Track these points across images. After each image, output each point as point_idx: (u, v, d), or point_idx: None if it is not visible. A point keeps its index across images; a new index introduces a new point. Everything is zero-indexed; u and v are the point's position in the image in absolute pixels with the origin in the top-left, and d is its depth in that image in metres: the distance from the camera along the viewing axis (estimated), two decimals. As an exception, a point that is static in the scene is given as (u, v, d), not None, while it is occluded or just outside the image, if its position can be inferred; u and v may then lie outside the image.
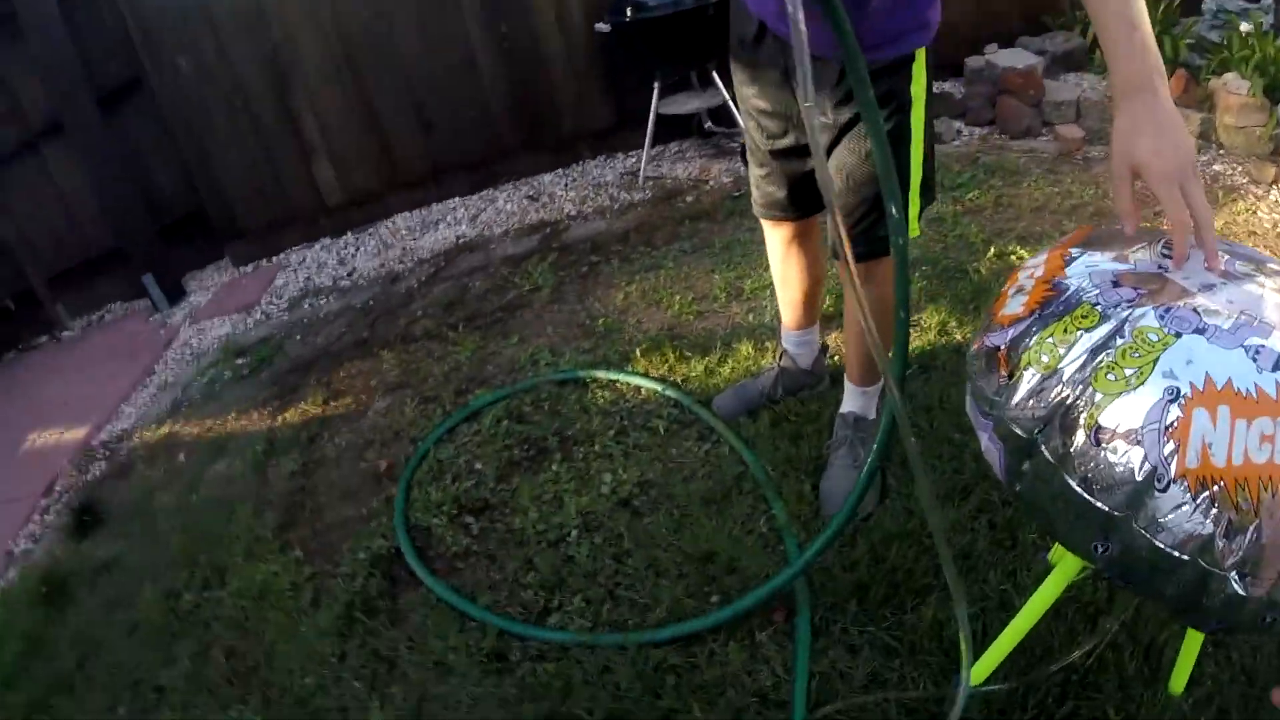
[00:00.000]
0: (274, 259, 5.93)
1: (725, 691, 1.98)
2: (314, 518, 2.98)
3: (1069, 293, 1.27)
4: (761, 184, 2.39)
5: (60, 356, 6.32)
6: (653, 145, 5.25)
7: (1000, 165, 4.49)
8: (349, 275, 5.19)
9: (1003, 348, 1.31)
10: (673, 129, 5.55)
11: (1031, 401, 1.24)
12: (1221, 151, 4.37)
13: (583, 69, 5.60)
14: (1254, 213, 3.79)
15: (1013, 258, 3.51)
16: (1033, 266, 1.38)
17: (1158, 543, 1.15)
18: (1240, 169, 4.18)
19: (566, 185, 5.48)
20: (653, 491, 2.63)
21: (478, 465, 2.91)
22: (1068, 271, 1.31)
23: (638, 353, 3.25)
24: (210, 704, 2.41)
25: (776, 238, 2.53)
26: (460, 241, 5.12)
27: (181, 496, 3.47)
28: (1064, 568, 1.49)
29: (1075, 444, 1.18)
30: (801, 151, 2.19)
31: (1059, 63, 5.49)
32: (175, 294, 6.03)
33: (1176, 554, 1.15)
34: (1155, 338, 1.16)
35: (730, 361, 3.12)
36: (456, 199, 5.79)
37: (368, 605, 2.50)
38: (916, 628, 2.03)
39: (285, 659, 2.42)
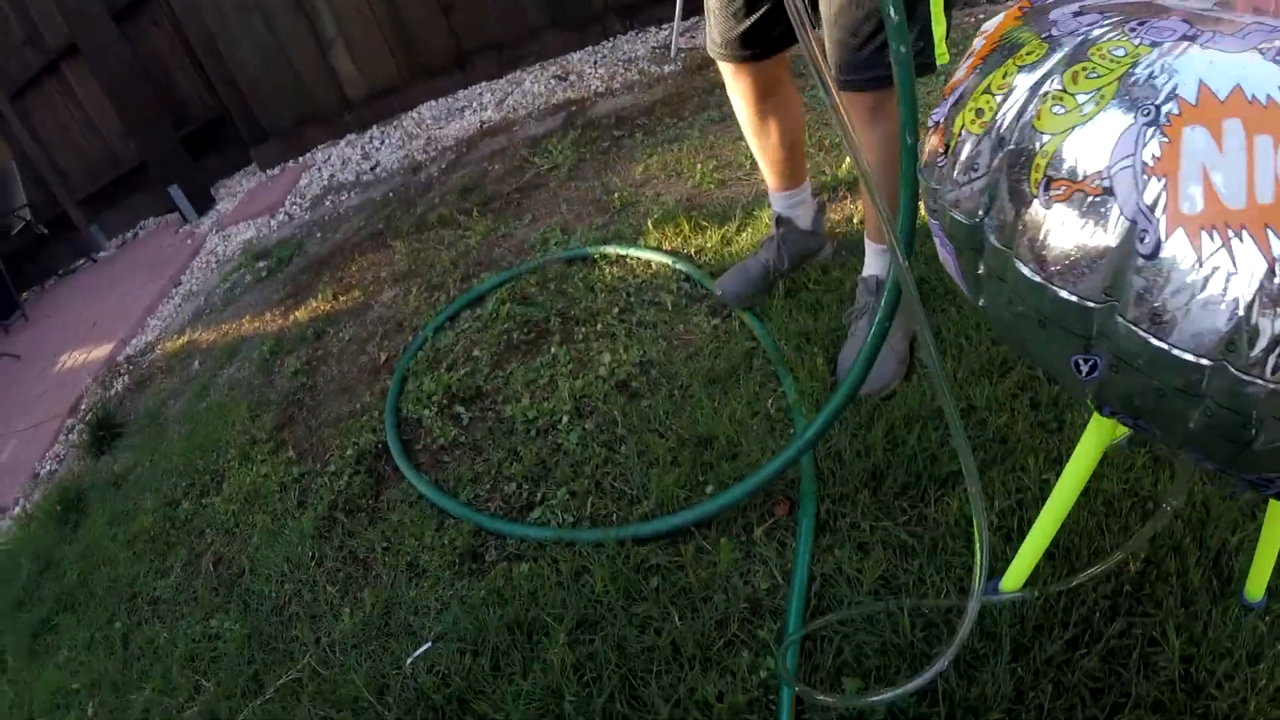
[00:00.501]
0: (300, 159, 5.79)
1: (711, 596, 1.72)
2: (310, 416, 2.84)
3: (1018, 38, 0.97)
4: (719, 13, 2.03)
5: (95, 276, 6.35)
6: (685, 16, 4.90)
7: None
8: (372, 169, 5.02)
9: (940, 121, 1.02)
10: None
11: (969, 175, 0.93)
12: None
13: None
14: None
15: None
16: (986, 29, 1.07)
17: (1156, 342, 0.80)
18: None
19: (596, 63, 5.17)
20: (653, 372, 2.39)
21: (475, 352, 2.71)
22: (1026, 20, 1.00)
23: (650, 225, 2.99)
24: (196, 614, 2.30)
25: (744, 84, 2.19)
26: (484, 126, 4.88)
27: (191, 404, 3.38)
28: (1095, 426, 1.17)
29: (1024, 214, 0.87)
30: None
31: None
32: (204, 203, 5.97)
33: (1189, 357, 0.79)
34: (1121, 52, 0.84)
35: (749, 229, 2.84)
36: (483, 84, 5.52)
37: (349, 505, 2.35)
38: (939, 523, 1.72)
39: (266, 564, 2.29)
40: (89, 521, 3.05)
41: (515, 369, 2.56)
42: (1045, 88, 0.86)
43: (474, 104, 5.31)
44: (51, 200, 7.06)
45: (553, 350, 2.58)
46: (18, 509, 3.70)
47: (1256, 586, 1.42)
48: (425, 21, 5.46)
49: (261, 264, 4.39)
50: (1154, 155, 0.77)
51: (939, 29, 1.75)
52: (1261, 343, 0.74)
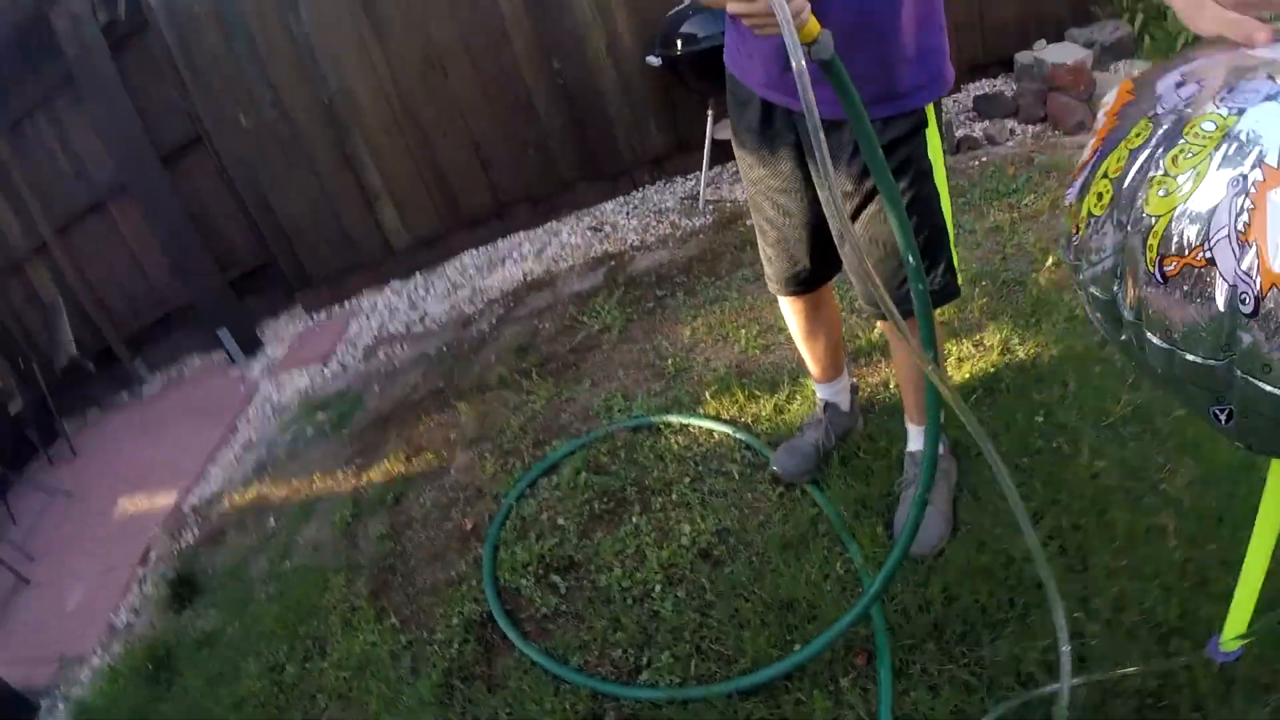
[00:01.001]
0: (345, 305, 6.08)
1: (812, 743, 2.02)
2: (406, 583, 3.06)
3: (1131, 115, 1.05)
4: (776, 261, 2.37)
5: (144, 415, 6.54)
6: (710, 167, 5.28)
7: (1054, 164, 4.44)
8: (420, 320, 5.30)
9: (1070, 203, 1.11)
10: (728, 150, 5.55)
11: (1098, 256, 1.04)
12: None
13: (637, 97, 5.63)
14: None
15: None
16: (1106, 103, 1.14)
17: (1269, 388, 0.90)
18: None
19: (628, 213, 5.53)
20: (731, 539, 2.66)
21: (560, 521, 2.97)
22: (1137, 95, 1.08)
23: (708, 395, 3.28)
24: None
25: (797, 308, 2.53)
26: (528, 279, 5.19)
27: (274, 564, 3.58)
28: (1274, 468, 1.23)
29: (1146, 291, 0.97)
30: (819, 223, 2.20)
31: (1108, 52, 5.42)
32: (251, 345, 6.20)
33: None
34: (1212, 125, 0.92)
35: (799, 398, 3.12)
36: (521, 233, 5.88)
37: (464, 672, 2.57)
38: (994, 663, 2.03)
39: (391, 731, 2.51)
40: (183, 681, 3.22)
41: (602, 539, 2.81)
42: (1151, 172, 0.96)
43: (514, 253, 5.65)
44: (96, 335, 7.32)
45: (634, 520, 2.84)
46: (98, 660, 3.84)
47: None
48: (465, 174, 5.85)
49: (321, 416, 4.63)
50: (1245, 223, 0.87)
51: (957, 262, 2.14)
52: None
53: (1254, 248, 0.86)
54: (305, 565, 3.45)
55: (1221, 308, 0.90)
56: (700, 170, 5.29)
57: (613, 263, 4.87)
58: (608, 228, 5.47)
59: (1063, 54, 5.27)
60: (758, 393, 3.23)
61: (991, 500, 2.43)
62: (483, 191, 5.90)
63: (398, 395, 4.46)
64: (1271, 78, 0.92)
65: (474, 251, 5.92)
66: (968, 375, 2.98)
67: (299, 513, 3.86)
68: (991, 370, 2.99)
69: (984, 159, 4.72)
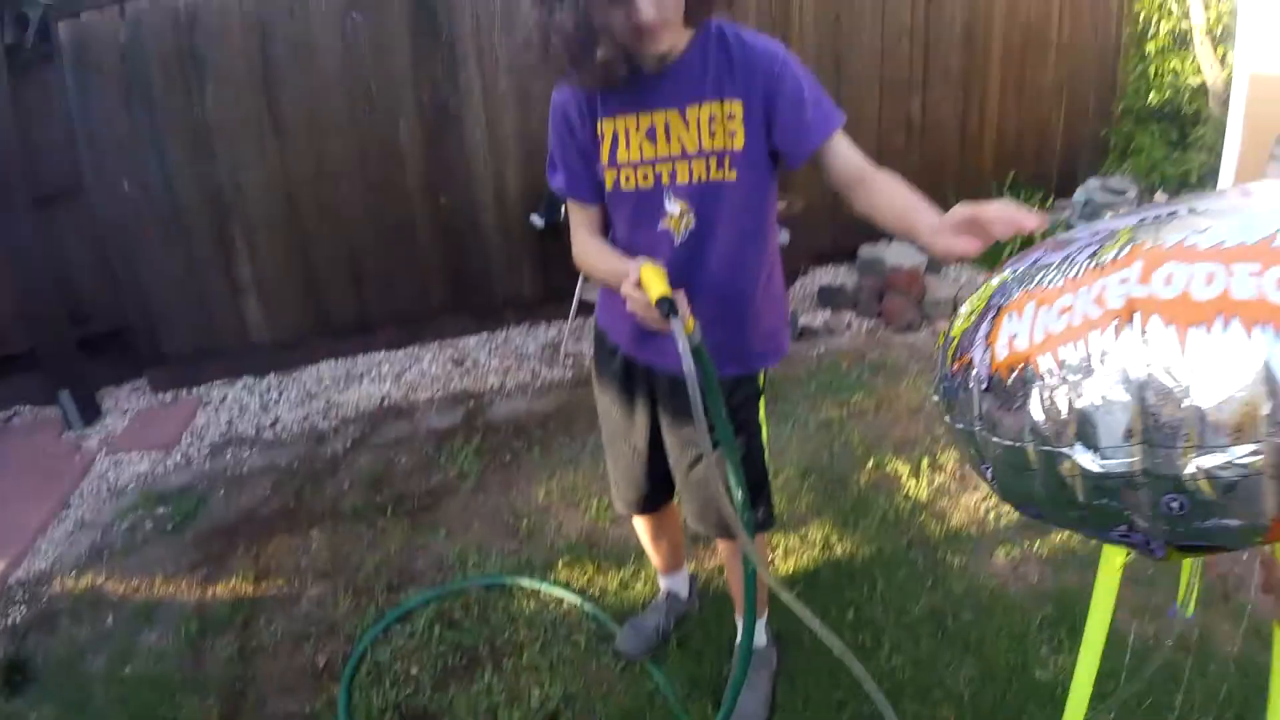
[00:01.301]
0: (194, 391, 6.10)
1: None
2: (257, 712, 3.19)
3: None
4: (624, 486, 2.72)
5: (-33, 460, 6.23)
6: (573, 320, 5.65)
7: (883, 363, 5.01)
8: (272, 425, 5.41)
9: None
10: (592, 309, 5.94)
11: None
12: None
13: (514, 243, 6.04)
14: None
15: (888, 468, 4.00)
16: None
17: (999, 439, 1.41)
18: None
19: (490, 351, 5.84)
20: (576, 706, 2.96)
21: (413, 670, 3.18)
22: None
23: (560, 563, 3.58)
24: None
25: (643, 522, 2.93)
26: (385, 403, 5.41)
27: (115, 666, 3.59)
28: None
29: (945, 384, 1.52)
30: (661, 459, 2.57)
31: None
32: (91, 413, 6.09)
33: (1014, 444, 1.40)
34: (995, 280, 1.48)
35: (643, 576, 3.47)
36: (382, 352, 6.10)
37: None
38: None
39: None
40: None
41: (456, 694, 3.04)
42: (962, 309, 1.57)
43: (374, 371, 5.86)
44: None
45: (487, 678, 3.09)
46: None
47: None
48: (337, 284, 6.07)
49: (162, 510, 4.66)
50: (986, 331, 1.42)
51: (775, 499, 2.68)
52: (1052, 425, 1.37)
53: (988, 347, 1.39)
54: (149, 675, 3.49)
55: (975, 389, 1.41)
56: (564, 321, 5.64)
57: (472, 403, 5.14)
58: (469, 362, 5.75)
59: (901, 256, 5.93)
60: (606, 565, 3.57)
61: (806, 686, 2.88)
62: (351, 304, 6.11)
63: (245, 505, 4.55)
64: (1042, 249, 1.48)
65: (333, 362, 6.09)
66: (792, 568, 3.44)
67: (139, 614, 3.88)
68: (813, 566, 3.46)
69: (822, 350, 5.28)
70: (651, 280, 1.76)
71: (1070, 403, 1.37)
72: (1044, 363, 1.38)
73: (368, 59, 5.78)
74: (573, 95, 2.04)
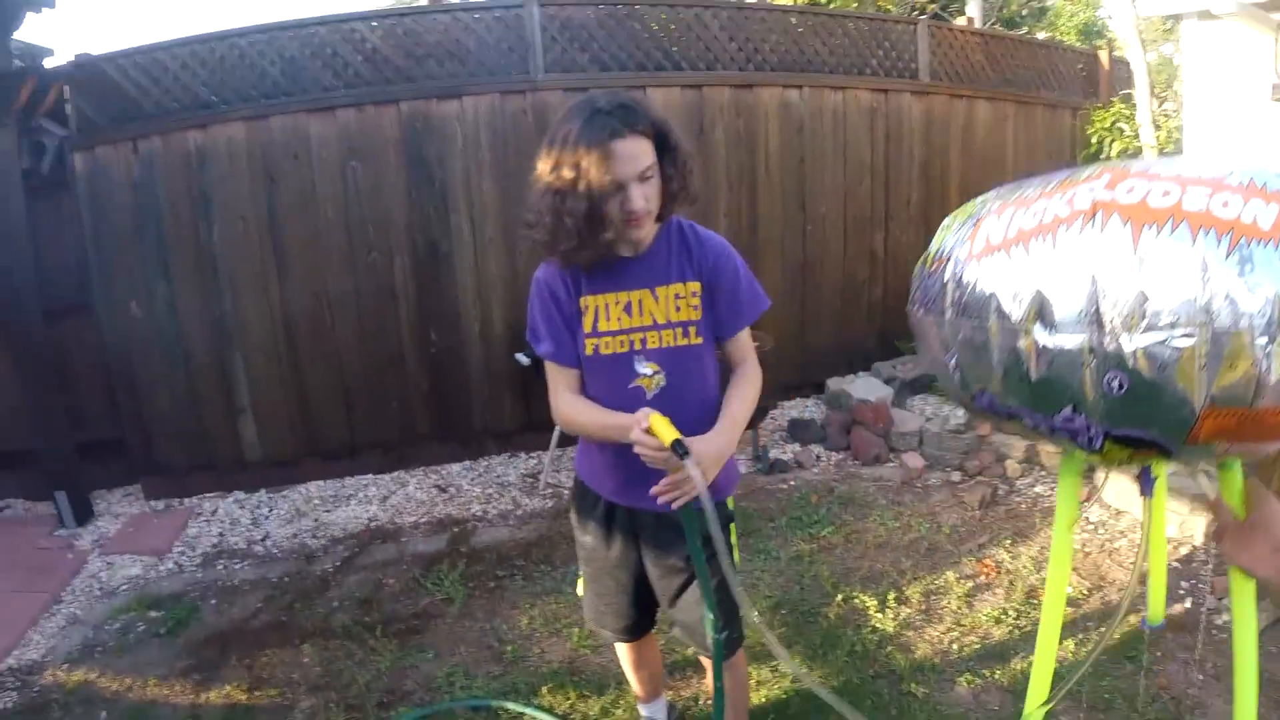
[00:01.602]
0: (186, 502, 6.35)
1: None
2: None
3: None
4: (609, 616, 2.93)
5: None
6: (554, 450, 5.97)
7: (851, 496, 5.32)
8: (262, 540, 5.65)
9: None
10: (571, 440, 6.25)
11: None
12: (1044, 473, 5.39)
13: (497, 377, 6.42)
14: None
15: (856, 602, 4.25)
16: None
17: (966, 320, 1.92)
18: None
19: (473, 479, 6.15)
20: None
21: (403, 788, 3.40)
22: None
23: (544, 688, 3.81)
24: None
25: (627, 650, 3.16)
26: (372, 524, 5.68)
27: None
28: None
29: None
30: (644, 589, 2.83)
31: (908, 387, 6.47)
32: (84, 513, 6.30)
33: (979, 324, 1.86)
34: (978, 200, 2.11)
35: (623, 703, 3.69)
36: (370, 476, 6.41)
37: None
38: None
39: None
40: None
41: None
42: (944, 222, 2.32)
43: (361, 494, 6.14)
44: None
45: None
46: None
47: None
48: (329, 410, 6.39)
49: (155, 614, 4.84)
50: (967, 234, 1.98)
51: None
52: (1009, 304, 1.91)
53: (970, 243, 1.98)
54: (142, 776, 3.68)
55: (947, 277, 2.00)
56: (544, 451, 5.96)
57: (456, 529, 5.42)
58: (453, 489, 6.05)
59: (867, 389, 6.29)
60: (587, 693, 3.79)
61: None
62: (341, 429, 6.44)
63: (237, 616, 4.76)
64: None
65: (322, 483, 6.38)
66: (763, 698, 3.64)
67: (132, 713, 4.04)
68: (784, 696, 3.67)
69: (792, 483, 5.62)
70: (661, 427, 2.14)
71: (1033, 285, 1.77)
72: (1015, 252, 1.80)
73: (365, 203, 6.24)
74: (558, 274, 2.44)
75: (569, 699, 3.77)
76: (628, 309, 2.43)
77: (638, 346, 2.44)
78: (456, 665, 4.07)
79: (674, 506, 2.25)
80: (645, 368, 2.44)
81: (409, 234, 6.30)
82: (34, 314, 6.21)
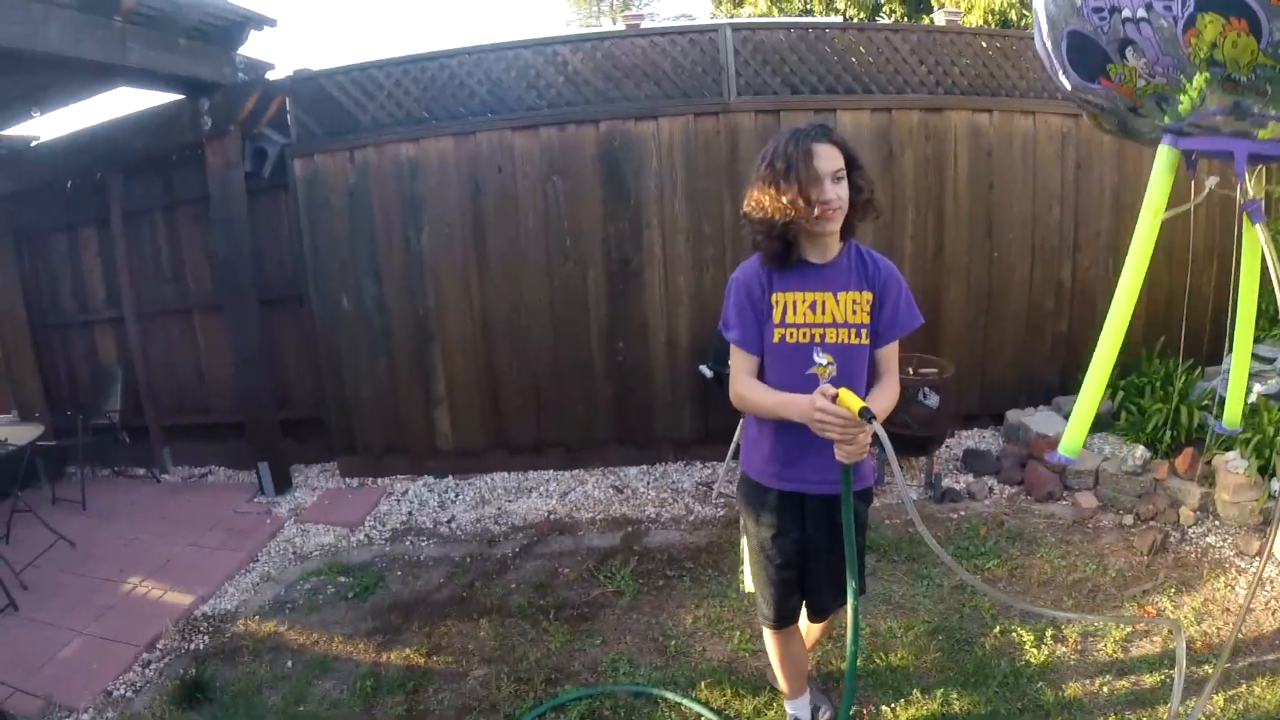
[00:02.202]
0: (378, 481, 6.75)
1: None
2: None
3: None
4: (778, 600, 3.15)
5: (162, 503, 7.07)
6: (729, 462, 6.11)
7: (1020, 532, 5.19)
8: (448, 522, 5.96)
9: None
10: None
11: None
12: (1217, 523, 5.13)
13: (679, 388, 6.53)
14: (1231, 588, 4.46)
15: (1013, 635, 4.16)
16: None
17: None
18: (1230, 541, 4.91)
19: (649, 483, 6.32)
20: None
21: (565, 756, 3.59)
22: None
23: (702, 684, 3.94)
24: None
25: (782, 638, 3.29)
26: (551, 517, 5.90)
27: (289, 704, 4.06)
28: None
29: None
30: (804, 569, 3.10)
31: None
32: (282, 484, 6.81)
33: None
34: None
35: (775, 707, 3.74)
36: (551, 472, 6.68)
37: None
38: None
39: None
40: None
41: None
42: None
43: (542, 488, 6.41)
44: (138, 413, 7.97)
45: None
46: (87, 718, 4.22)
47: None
48: (518, 408, 6.71)
49: (344, 579, 5.18)
50: None
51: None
52: None
53: None
54: (322, 717, 3.94)
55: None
56: (719, 462, 6.11)
57: (630, 528, 5.59)
58: (629, 490, 6.23)
59: (1047, 424, 6.11)
60: (743, 692, 3.85)
61: None
62: (529, 427, 6.73)
63: (420, 588, 5.04)
64: None
65: (506, 474, 6.71)
66: (910, 717, 3.65)
67: (317, 664, 4.35)
68: (929, 717, 3.67)
69: (962, 513, 5.52)
70: (849, 398, 2.46)
71: None
72: None
73: (563, 216, 6.49)
74: (755, 272, 2.85)
75: (725, 696, 3.83)
76: (812, 307, 2.81)
77: (818, 340, 2.81)
78: (621, 653, 4.20)
79: (848, 463, 2.59)
80: (822, 358, 2.81)
81: (603, 247, 6.52)
82: (251, 302, 6.80)
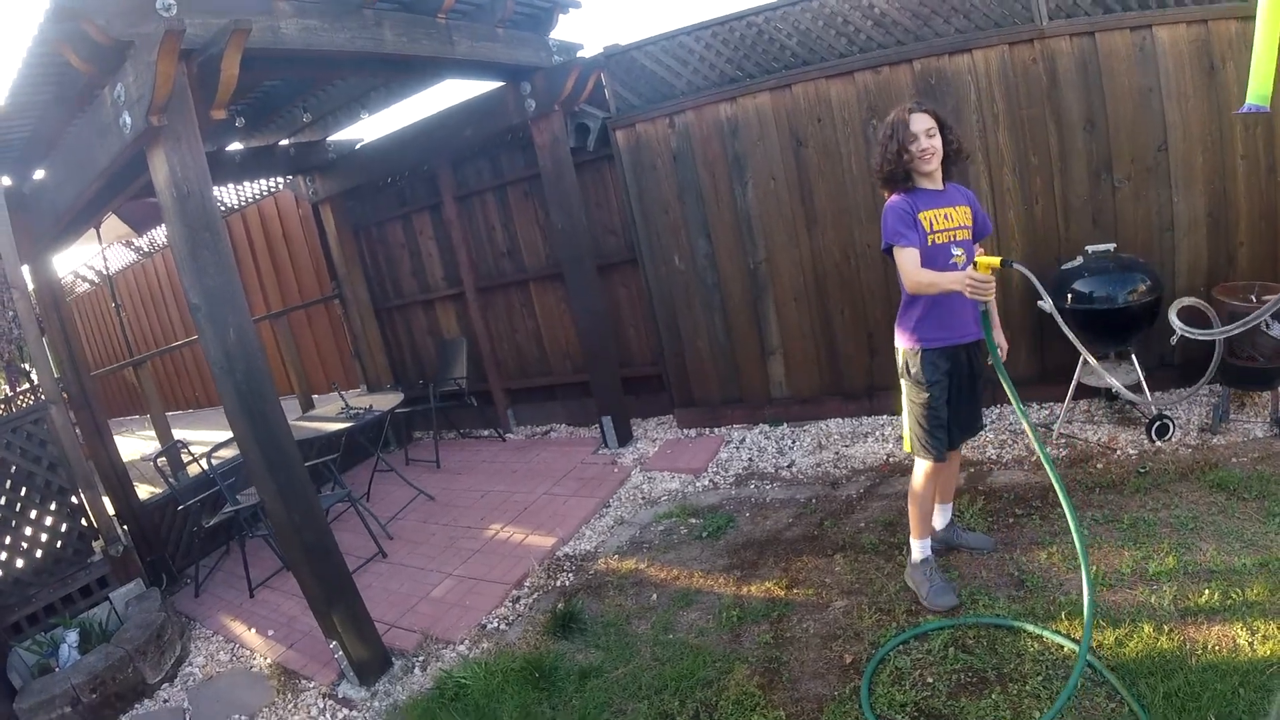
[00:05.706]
0: (715, 431, 7.01)
1: None
2: (791, 688, 3.73)
3: None
4: (944, 438, 4.14)
5: (509, 459, 7.67)
6: (1070, 401, 5.92)
7: None
8: (788, 466, 6.11)
9: None
10: (1089, 391, 6.14)
11: None
12: None
13: (1015, 327, 6.33)
14: None
15: None
16: None
17: None
18: None
19: (987, 426, 6.25)
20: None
21: (929, 679, 3.59)
22: None
23: (1062, 615, 3.90)
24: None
25: (937, 471, 4.20)
26: (890, 460, 5.92)
27: (657, 632, 4.35)
28: None
29: None
30: (953, 403, 4.13)
31: None
32: (625, 437, 7.20)
33: None
34: None
35: (1135, 638, 3.65)
36: (885, 416, 6.66)
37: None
38: None
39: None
40: (566, 698, 4.00)
41: (967, 705, 3.41)
42: None
43: (878, 432, 6.41)
44: (481, 378, 8.75)
45: (994, 697, 3.43)
46: (464, 649, 4.69)
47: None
48: (852, 353, 6.73)
49: (694, 521, 5.45)
50: None
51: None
52: None
53: None
54: (690, 643, 4.19)
55: None
56: (1058, 404, 5.94)
57: (972, 469, 5.53)
58: (967, 435, 6.17)
59: None
60: (1102, 624, 3.80)
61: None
62: (863, 372, 6.75)
63: (770, 527, 5.23)
64: None
65: (840, 420, 6.76)
66: (1271, 651, 3.41)
67: (680, 597, 4.63)
68: None
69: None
70: (985, 262, 3.48)
71: None
72: None
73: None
74: (904, 200, 3.87)
75: (1079, 629, 3.80)
76: (946, 217, 3.90)
77: (953, 239, 3.91)
78: (979, 587, 4.18)
79: (984, 300, 3.53)
80: (956, 251, 3.92)
81: (945, 185, 6.44)
82: (589, 268, 7.21)
